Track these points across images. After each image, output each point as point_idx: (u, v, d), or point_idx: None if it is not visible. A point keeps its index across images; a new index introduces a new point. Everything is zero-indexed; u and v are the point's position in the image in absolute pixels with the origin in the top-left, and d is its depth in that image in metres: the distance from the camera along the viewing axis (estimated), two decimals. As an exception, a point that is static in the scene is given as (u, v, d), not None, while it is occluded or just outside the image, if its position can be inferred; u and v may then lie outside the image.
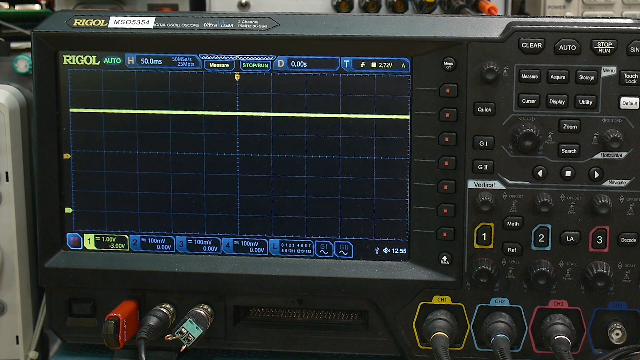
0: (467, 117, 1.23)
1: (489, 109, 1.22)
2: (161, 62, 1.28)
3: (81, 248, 1.33)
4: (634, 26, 1.21)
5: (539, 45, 1.21)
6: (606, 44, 1.20)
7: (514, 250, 1.24)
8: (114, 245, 1.32)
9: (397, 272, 1.28)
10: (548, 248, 1.24)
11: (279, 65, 1.27)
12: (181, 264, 1.30)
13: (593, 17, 1.27)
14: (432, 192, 1.25)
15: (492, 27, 1.23)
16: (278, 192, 1.29)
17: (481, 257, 1.25)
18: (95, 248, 1.33)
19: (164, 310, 1.29)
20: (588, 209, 1.23)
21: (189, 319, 1.27)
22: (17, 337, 1.40)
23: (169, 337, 1.27)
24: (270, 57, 1.27)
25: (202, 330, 1.27)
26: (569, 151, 1.22)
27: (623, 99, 1.21)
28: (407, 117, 1.26)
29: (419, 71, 1.25)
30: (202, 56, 1.28)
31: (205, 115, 1.28)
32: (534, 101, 1.22)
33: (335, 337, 1.32)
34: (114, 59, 1.29)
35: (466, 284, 1.26)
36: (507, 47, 1.22)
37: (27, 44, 1.50)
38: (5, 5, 1.78)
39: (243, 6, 1.60)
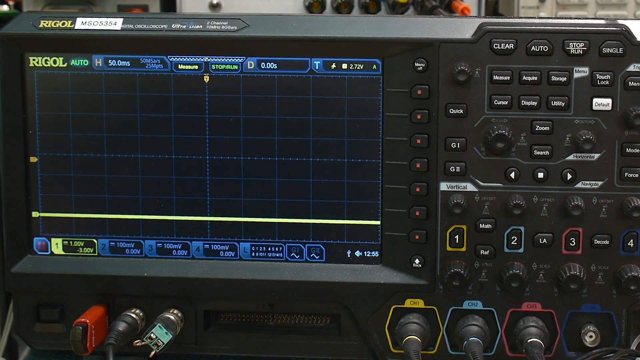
0: (438, 118, 1.22)
1: (461, 111, 1.22)
2: (129, 64, 1.27)
3: (49, 253, 1.31)
4: (606, 27, 1.20)
5: (511, 46, 1.20)
6: (578, 45, 1.20)
7: (487, 252, 1.24)
8: (82, 250, 1.31)
9: (369, 275, 1.27)
10: (521, 250, 1.24)
11: (248, 67, 1.26)
12: (150, 268, 1.29)
13: (566, 18, 1.27)
14: (404, 195, 1.24)
15: (463, 28, 1.22)
16: (248, 195, 1.27)
17: (454, 259, 1.24)
18: (63, 253, 1.31)
19: (133, 316, 1.28)
20: (561, 210, 1.22)
21: (159, 324, 1.25)
22: (-16, 343, 1.38)
23: (138, 342, 1.25)
24: (240, 58, 1.25)
25: (171, 336, 1.25)
26: (541, 153, 1.22)
27: (595, 100, 1.21)
28: (379, 118, 1.24)
29: (390, 72, 1.23)
30: (170, 58, 1.26)
31: (174, 117, 1.27)
32: (506, 102, 1.21)
33: (308, 341, 1.30)
34: (81, 60, 1.27)
35: (439, 287, 1.25)
36: (479, 48, 1.21)
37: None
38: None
39: (214, 7, 1.59)
